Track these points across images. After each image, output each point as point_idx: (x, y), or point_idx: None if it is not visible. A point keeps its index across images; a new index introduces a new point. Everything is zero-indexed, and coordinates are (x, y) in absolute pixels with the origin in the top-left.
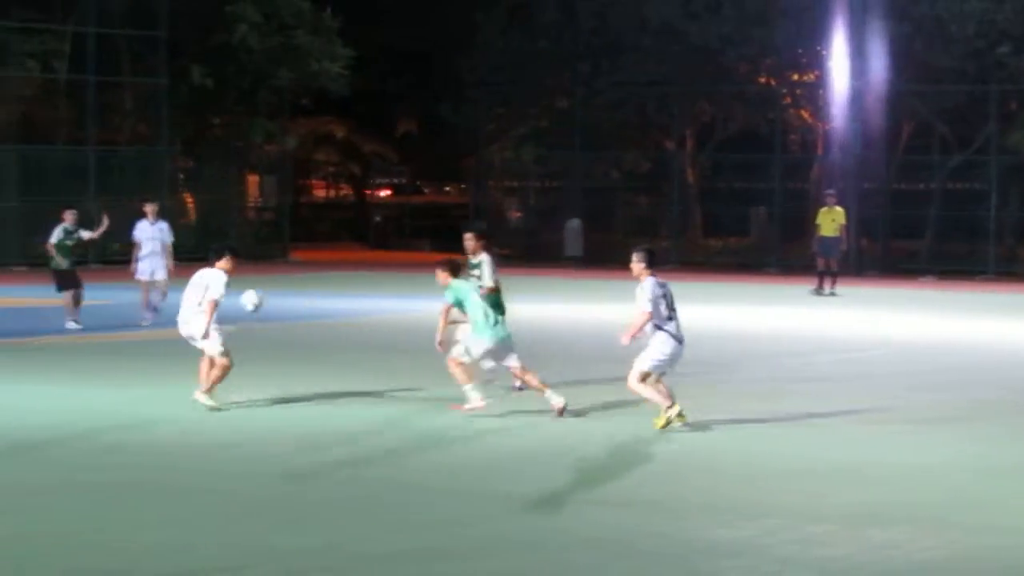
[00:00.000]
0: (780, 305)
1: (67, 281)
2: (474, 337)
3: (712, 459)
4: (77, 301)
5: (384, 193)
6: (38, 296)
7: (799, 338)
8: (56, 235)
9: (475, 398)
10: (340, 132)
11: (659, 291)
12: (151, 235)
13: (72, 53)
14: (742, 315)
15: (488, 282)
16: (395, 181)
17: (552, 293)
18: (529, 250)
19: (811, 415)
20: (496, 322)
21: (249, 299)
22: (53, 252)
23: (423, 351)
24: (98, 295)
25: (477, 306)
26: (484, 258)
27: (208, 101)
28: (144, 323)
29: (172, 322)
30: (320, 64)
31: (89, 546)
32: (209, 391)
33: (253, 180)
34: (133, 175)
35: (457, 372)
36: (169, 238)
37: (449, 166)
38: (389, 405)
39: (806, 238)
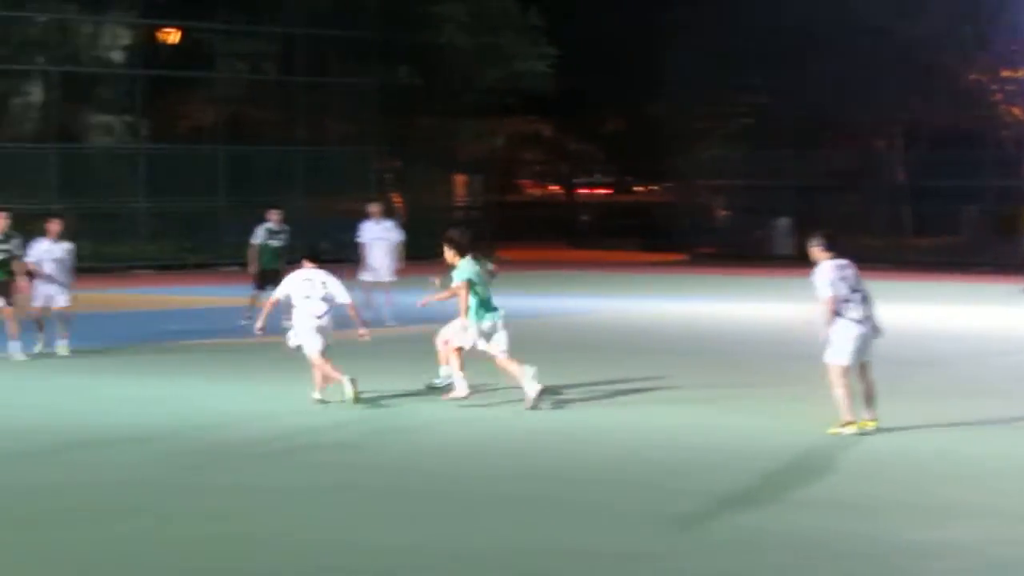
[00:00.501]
0: (990, 304)
1: (268, 281)
2: (474, 323)
3: (915, 459)
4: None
5: (594, 192)
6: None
7: (1009, 338)
8: (260, 235)
9: (463, 387)
10: (546, 131)
11: (836, 273)
12: (377, 235)
13: (281, 54)
14: (951, 314)
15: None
16: (601, 180)
17: (758, 292)
18: (736, 249)
19: (1018, 416)
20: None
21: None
22: (256, 252)
23: (612, 349)
24: None
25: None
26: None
27: (415, 101)
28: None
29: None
30: (526, 63)
31: (327, 545)
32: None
33: (460, 180)
34: (340, 175)
35: (452, 358)
36: (398, 237)
37: (655, 164)
38: (570, 404)
39: (1020, 236)
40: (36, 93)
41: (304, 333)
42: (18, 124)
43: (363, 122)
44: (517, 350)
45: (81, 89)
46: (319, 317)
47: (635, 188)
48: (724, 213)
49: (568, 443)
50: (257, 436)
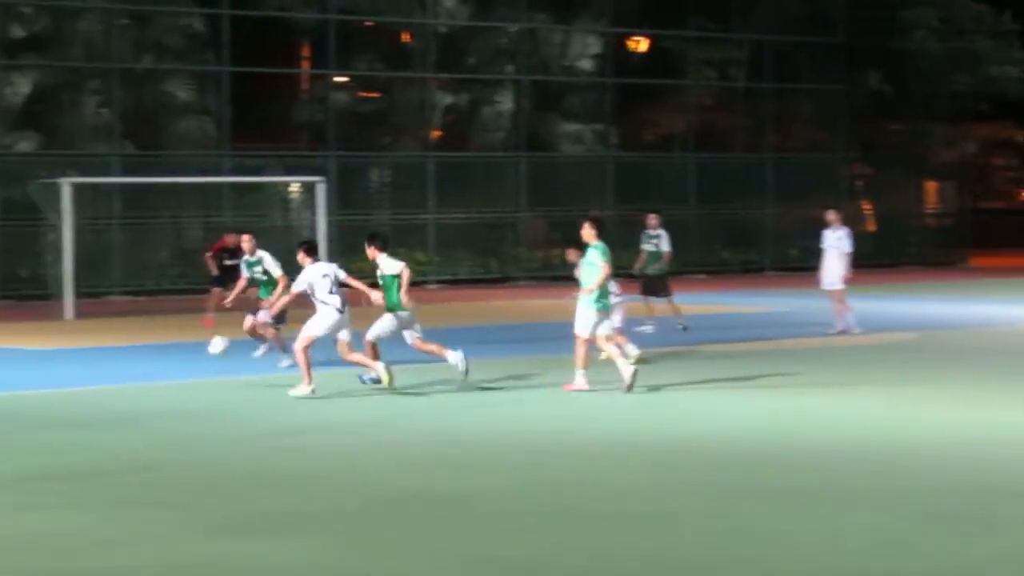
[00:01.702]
0: None
1: (647, 286)
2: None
3: None
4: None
5: None
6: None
7: None
8: (643, 240)
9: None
10: (1020, 137)
11: None
12: (830, 243)
13: (749, 61)
14: None
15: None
16: None
17: None
18: None
19: None
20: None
21: (216, 346)
22: (645, 257)
23: None
24: (775, 302)
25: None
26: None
27: (886, 107)
28: (830, 331)
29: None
30: (1000, 68)
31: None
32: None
33: (931, 186)
34: (809, 182)
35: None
36: (847, 246)
37: None
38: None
39: None
40: (506, 102)
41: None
42: (488, 133)
43: (832, 128)
44: (981, 357)
45: (550, 98)
46: (340, 311)
47: None
48: None
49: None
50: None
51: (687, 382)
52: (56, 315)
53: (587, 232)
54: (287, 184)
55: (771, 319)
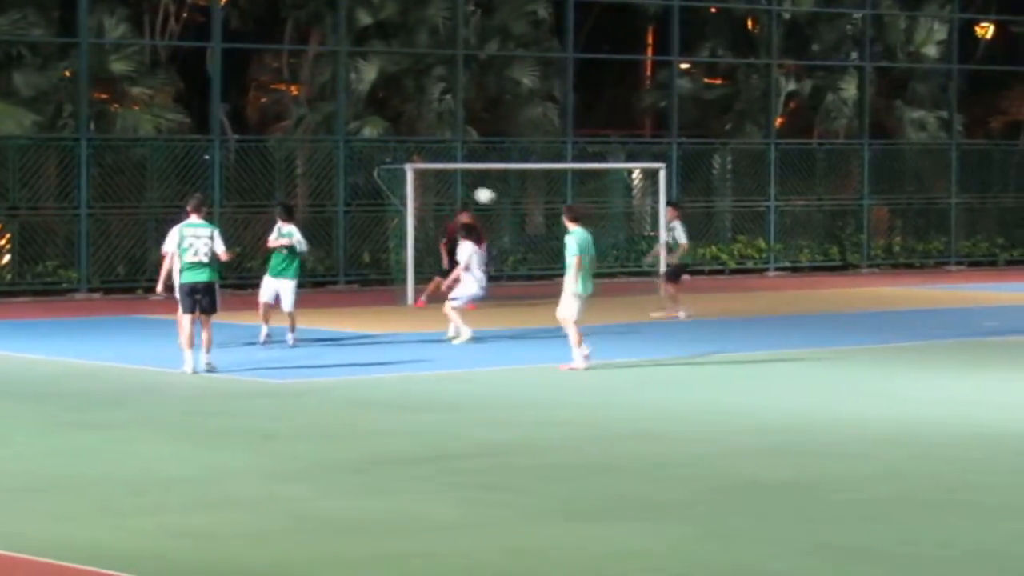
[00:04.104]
0: None
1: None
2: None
3: None
4: None
5: None
6: None
7: None
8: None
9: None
10: None
11: None
12: None
13: None
14: None
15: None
16: None
17: None
18: None
19: None
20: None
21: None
22: None
23: None
24: None
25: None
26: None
27: None
28: None
29: None
30: None
31: None
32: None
33: None
34: None
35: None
36: None
37: None
38: None
39: None
40: (850, 89)
41: None
42: (831, 120)
43: None
44: None
45: (895, 84)
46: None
47: None
48: None
49: None
50: None
51: None
52: (398, 300)
53: (564, 219)
54: (630, 170)
55: None
